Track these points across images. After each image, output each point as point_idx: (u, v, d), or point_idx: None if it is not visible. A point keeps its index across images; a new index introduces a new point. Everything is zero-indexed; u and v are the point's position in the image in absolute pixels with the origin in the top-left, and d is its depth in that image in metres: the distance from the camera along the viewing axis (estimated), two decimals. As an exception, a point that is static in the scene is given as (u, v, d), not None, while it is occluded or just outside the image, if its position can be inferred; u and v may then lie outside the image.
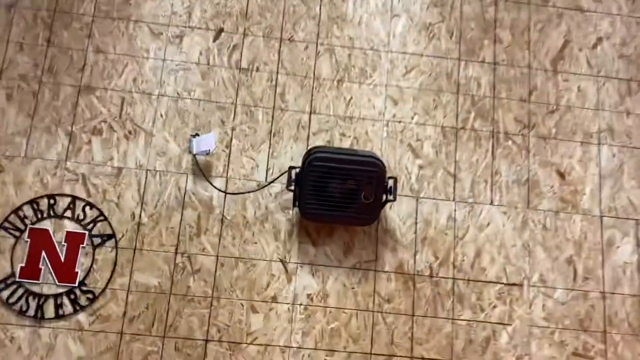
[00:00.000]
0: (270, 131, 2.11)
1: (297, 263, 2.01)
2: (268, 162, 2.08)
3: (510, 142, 2.18)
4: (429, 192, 2.11)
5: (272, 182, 2.02)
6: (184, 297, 1.95)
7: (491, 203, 2.12)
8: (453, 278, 2.04)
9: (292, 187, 1.92)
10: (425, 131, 2.17)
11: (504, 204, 2.12)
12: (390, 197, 1.93)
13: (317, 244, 2.03)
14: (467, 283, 2.04)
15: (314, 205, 1.88)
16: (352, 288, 2.01)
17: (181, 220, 2.01)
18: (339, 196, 1.89)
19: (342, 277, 2.01)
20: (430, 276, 2.04)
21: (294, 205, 1.93)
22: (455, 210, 2.10)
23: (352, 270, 2.02)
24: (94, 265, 1.95)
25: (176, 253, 1.98)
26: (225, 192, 2.04)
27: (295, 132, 2.11)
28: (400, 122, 2.16)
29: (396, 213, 2.08)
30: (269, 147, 2.09)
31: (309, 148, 1.93)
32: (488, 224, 2.10)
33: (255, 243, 2.01)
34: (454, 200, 2.11)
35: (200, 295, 1.96)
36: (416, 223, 2.08)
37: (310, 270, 2.01)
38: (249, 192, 2.04)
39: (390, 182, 1.95)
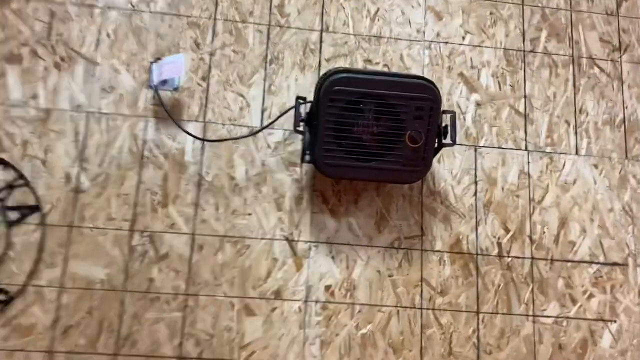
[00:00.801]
0: (265, 57, 1.48)
1: (310, 242, 1.39)
2: (263, 99, 1.45)
3: (596, 70, 1.57)
4: (492, 139, 1.50)
5: (270, 124, 1.39)
6: (145, 296, 1.32)
7: (576, 152, 1.51)
8: (531, 258, 1.44)
9: (301, 129, 1.29)
10: (481, 55, 1.55)
11: (593, 153, 1.51)
12: (447, 141, 1.30)
13: (338, 214, 1.41)
14: (551, 264, 1.43)
15: (335, 153, 1.25)
16: (390, 276, 1.39)
17: (139, 183, 1.37)
18: (372, 139, 1.27)
19: (374, 261, 1.39)
20: (500, 256, 1.43)
21: (303, 158, 1.30)
22: (528, 163, 1.50)
23: (389, 250, 1.40)
24: (9, 252, 1.31)
25: (132, 231, 1.35)
26: (204, 140, 1.41)
27: (300, 58, 1.48)
28: (447, 43, 1.54)
29: (447, 168, 1.46)
30: (264, 80, 1.46)
31: (325, 71, 1.30)
32: (574, 182, 1.49)
33: (249, 214, 1.39)
34: (525, 149, 1.50)
35: (169, 292, 1.33)
36: (476, 182, 1.46)
37: (329, 252, 1.39)
38: (236, 138, 1.41)
39: (446, 119, 1.33)
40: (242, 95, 1.45)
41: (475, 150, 1.49)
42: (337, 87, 1.22)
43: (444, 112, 1.32)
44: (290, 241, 1.38)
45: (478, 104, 1.52)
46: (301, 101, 1.29)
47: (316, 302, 1.36)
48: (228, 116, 1.44)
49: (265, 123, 1.42)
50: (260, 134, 1.43)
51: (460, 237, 1.43)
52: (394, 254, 1.40)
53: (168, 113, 1.36)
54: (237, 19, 1.49)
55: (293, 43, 1.49)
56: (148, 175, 1.38)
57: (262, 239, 1.38)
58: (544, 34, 1.58)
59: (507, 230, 1.45)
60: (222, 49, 1.47)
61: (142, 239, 1.35)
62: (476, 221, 1.44)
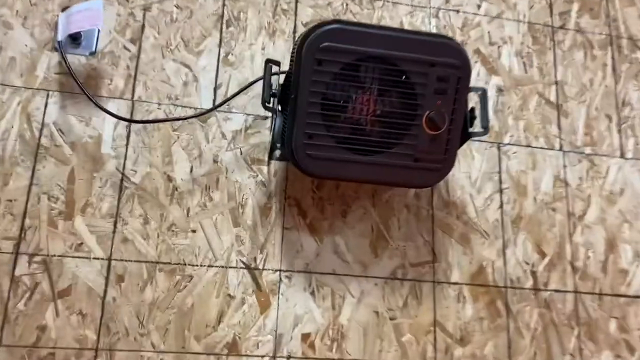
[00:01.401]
0: (221, 16, 1.08)
1: (281, 271, 0.98)
2: (217, 72, 1.05)
3: (639, 54, 1.26)
4: (518, 134, 1.15)
5: (225, 102, 0.99)
6: (32, 354, 0.88)
7: (622, 155, 1.18)
8: (574, 291, 1.07)
9: (272, 105, 0.89)
10: (501, 29, 1.21)
11: (641, 156, 1.18)
12: (477, 129, 0.94)
13: (320, 231, 1.01)
14: (599, 300, 1.08)
15: (321, 141, 0.86)
16: (392, 319, 1.00)
17: (31, 185, 0.94)
18: (374, 123, 0.88)
19: (370, 298, 1.00)
20: (535, 289, 1.06)
21: (272, 152, 0.91)
22: (564, 167, 1.15)
23: (390, 282, 1.01)
24: None
25: (16, 255, 0.91)
26: (130, 121, 0.99)
27: (269, 21, 1.10)
28: (458, 11, 1.19)
29: (464, 172, 1.10)
30: (219, 46, 1.07)
31: (309, 27, 0.91)
32: (622, 192, 1.15)
33: (193, 232, 0.97)
34: (560, 149, 1.16)
35: (70, 346, 0.89)
36: (501, 191, 1.10)
37: (307, 285, 0.99)
38: (177, 119, 1.00)
39: (474, 99, 0.96)
40: (187, 66, 1.04)
41: (499, 149, 1.13)
42: (326, 44, 0.83)
43: (473, 89, 0.95)
44: (252, 270, 0.97)
45: (500, 90, 1.16)
46: (273, 65, 0.90)
47: (289, 358, 0.95)
48: (167, 93, 1.02)
49: (220, 101, 1.02)
50: (212, 119, 1.02)
51: (484, 263, 1.05)
52: (396, 288, 1.01)
53: (80, 85, 0.94)
54: (182, -35, 1.09)
55: (260, 0, 1.11)
56: (46, 172, 0.95)
57: (212, 266, 0.96)
58: (574, 7, 1.26)
59: (542, 255, 1.09)
60: (161, 2, 1.07)
61: (32, 267, 0.91)
62: (503, 243, 1.07)
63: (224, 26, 1.08)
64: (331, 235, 1.01)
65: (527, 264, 1.07)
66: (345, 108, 0.87)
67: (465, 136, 0.93)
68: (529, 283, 1.06)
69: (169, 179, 0.98)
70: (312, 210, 1.02)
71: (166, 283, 0.94)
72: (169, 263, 0.95)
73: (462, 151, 1.09)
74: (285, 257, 0.99)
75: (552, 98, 1.19)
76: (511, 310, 1.04)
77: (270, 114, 1.00)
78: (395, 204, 1.05)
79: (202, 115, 0.98)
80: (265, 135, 1.03)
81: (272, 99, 0.88)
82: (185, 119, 0.98)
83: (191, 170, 0.99)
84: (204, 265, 0.96)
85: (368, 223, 1.03)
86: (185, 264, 0.95)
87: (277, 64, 0.90)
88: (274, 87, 0.89)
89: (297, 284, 0.98)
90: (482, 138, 1.12)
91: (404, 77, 0.86)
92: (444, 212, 1.07)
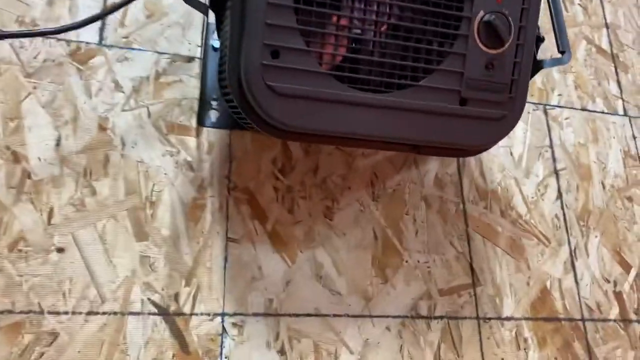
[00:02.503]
0: None
1: (224, 315, 0.55)
2: (109, -13, 0.63)
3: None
4: (568, 93, 0.79)
5: (110, 13, 0.57)
6: None
7: (701, 123, 0.83)
8: (679, 321, 0.70)
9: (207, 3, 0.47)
10: (528, -48, 0.86)
11: None
12: (557, 56, 0.56)
13: (291, 244, 0.59)
14: None
15: (297, 64, 0.45)
16: (419, 385, 0.58)
17: None
18: (393, 35, 0.48)
19: (381, 351, 0.58)
20: (624, 320, 0.68)
21: (205, 107, 0.51)
22: (634, 139, 0.79)
23: (411, 323, 0.60)
24: None
25: None
26: None
27: None
28: None
29: (503, 145, 0.72)
30: (113, -48, 0.64)
31: None
32: None
33: (59, 252, 0.52)
34: (625, 114, 0.81)
35: None
36: (556, 173, 0.73)
37: (271, 337, 0.56)
38: (24, 35, 0.57)
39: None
40: (54, -26, 0.62)
41: (546, 113, 0.76)
42: None
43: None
44: (170, 316, 0.54)
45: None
46: None
47: None
48: (18, 15, 0.59)
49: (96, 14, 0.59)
50: (98, 58, 0.60)
51: (548, 284, 0.67)
52: (421, 332, 0.60)
53: None
54: None
55: None
56: None
57: (95, 313, 0.52)
58: None
59: (626, 267, 0.71)
60: None
61: None
62: (570, 251, 0.69)
63: None
64: (309, 249, 0.60)
65: (608, 281, 0.70)
66: (339, 6, 0.47)
67: (535, 65, 0.55)
68: (614, 311, 0.68)
69: (16, 158, 0.54)
70: (275, 208, 0.60)
71: (5, 348, 0.49)
72: (10, 312, 0.50)
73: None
74: (232, 291, 0.56)
75: (604, 45, 0.84)
76: (595, 354, 0.65)
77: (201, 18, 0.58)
78: (408, 194, 0.65)
79: (75, 29, 0.55)
80: (190, 87, 0.61)
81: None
82: (43, 34, 0.54)
83: (57, 144, 0.56)
84: (80, 313, 0.51)
85: (367, 227, 0.63)
86: (43, 312, 0.51)
87: None
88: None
89: (254, 336, 0.55)
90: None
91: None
92: (481, 207, 0.68)
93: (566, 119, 0.77)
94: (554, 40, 0.56)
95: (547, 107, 0.77)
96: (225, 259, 0.57)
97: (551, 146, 0.74)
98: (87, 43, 0.60)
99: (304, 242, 0.60)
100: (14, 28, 0.58)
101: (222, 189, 0.59)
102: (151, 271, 0.54)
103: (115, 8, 0.52)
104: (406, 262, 0.62)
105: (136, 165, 0.57)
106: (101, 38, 0.61)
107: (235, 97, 0.47)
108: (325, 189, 0.62)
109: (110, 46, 0.61)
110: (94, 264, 0.53)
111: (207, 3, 0.47)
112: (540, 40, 0.55)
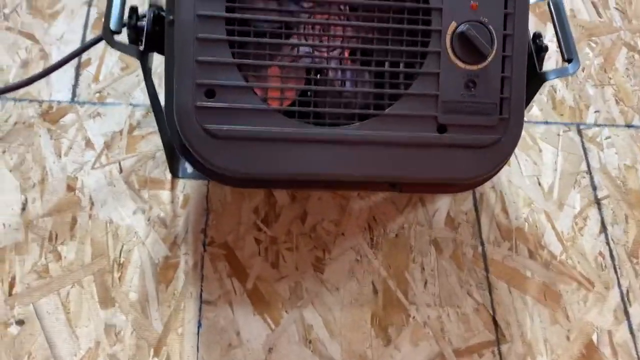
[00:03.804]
0: (97, -36, 0.66)
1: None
2: (83, 41, 0.61)
3: None
4: (608, 109, 0.68)
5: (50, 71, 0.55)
6: None
7: None
8: None
9: (139, 43, 0.43)
10: (549, -42, 0.77)
11: None
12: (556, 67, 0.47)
13: (275, 304, 0.52)
14: None
15: (236, 101, 0.39)
16: None
17: None
18: (350, 57, 0.42)
19: None
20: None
21: (175, 155, 0.45)
22: (698, 156, 0.66)
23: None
24: None
25: None
26: None
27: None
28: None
29: (529, 174, 0.62)
30: (88, 2, 0.64)
31: None
32: None
33: (19, 324, 0.49)
34: (684, 126, 0.68)
35: None
36: (598, 203, 0.62)
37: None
38: None
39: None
40: (30, 37, 0.61)
41: (580, 133, 0.66)
42: None
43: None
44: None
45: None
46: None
47: None
48: (-11, 80, 0.59)
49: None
50: (69, 116, 0.57)
51: (594, 337, 0.55)
52: (433, 403, 0.51)
53: None
54: None
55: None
56: None
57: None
58: None
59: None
60: (-6, -53, 0.66)
61: None
62: (622, 296, 0.58)
63: (99, -25, 0.66)
64: (296, 308, 0.53)
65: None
66: (279, 33, 0.42)
67: (537, 78, 0.46)
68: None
69: (-20, 226, 0.52)
70: (256, 263, 0.54)
71: None
72: (-36, 393, 0.47)
73: (521, 140, 0.61)
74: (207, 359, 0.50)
75: (651, 47, 0.73)
76: None
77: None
78: (414, 239, 0.57)
79: (22, 87, 0.53)
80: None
81: (134, 34, 0.43)
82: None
83: (23, 209, 0.53)
84: (38, 392, 0.47)
85: (365, 279, 0.55)
86: (-2, 393, 0.47)
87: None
88: (142, 11, 0.44)
89: (231, 413, 0.48)
90: (551, 115, 0.66)
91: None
92: (504, 249, 0.58)
93: (607, 138, 0.66)
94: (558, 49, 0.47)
95: (582, 126, 0.66)
96: (199, 324, 0.51)
97: (589, 171, 0.64)
98: (59, 102, 0.58)
99: (290, 301, 0.53)
100: (-13, 93, 0.58)
101: (198, 245, 0.54)
102: (117, 341, 0.49)
103: (62, 63, 0.50)
104: (413, 318, 0.54)
105: (105, 225, 0.54)
106: (74, 95, 0.59)
107: (175, 144, 0.43)
108: (315, 238, 0.56)
109: (83, 103, 0.59)
110: (55, 336, 0.49)
111: (142, 48, 0.43)
112: (542, 49, 0.47)
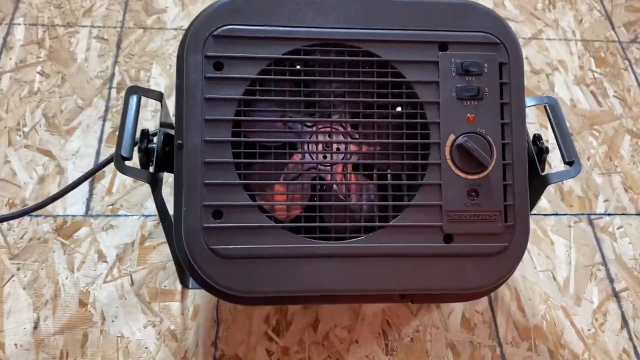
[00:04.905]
0: (111, 77, 0.71)
1: None
2: (97, 157, 0.64)
3: None
4: (617, 197, 0.68)
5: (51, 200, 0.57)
6: None
7: None
8: None
9: (150, 167, 0.45)
10: (546, 53, 0.81)
11: None
12: (558, 170, 0.48)
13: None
14: None
15: (242, 220, 0.40)
16: None
17: None
18: (351, 174, 0.43)
19: None
20: None
21: (184, 267, 0.45)
22: None
23: None
24: None
25: None
26: None
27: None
28: (474, 37, 0.80)
29: (543, 269, 0.61)
30: (103, 118, 0.67)
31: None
32: None
33: None
34: (696, 212, 0.67)
35: None
36: (617, 296, 0.60)
37: None
38: None
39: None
40: (47, 153, 0.64)
41: (592, 224, 0.65)
42: (225, 27, 0.42)
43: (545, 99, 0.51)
44: None
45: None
46: (144, 97, 0.47)
47: None
48: (10, 197, 0.61)
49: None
50: (83, 229, 0.59)
51: None
52: None
53: None
54: None
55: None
56: None
57: None
58: (642, 17, 0.86)
59: None
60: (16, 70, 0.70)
61: None
62: (652, 395, 0.55)
63: (114, 91, 0.69)
64: (310, 422, 0.51)
65: None
66: (282, 152, 0.43)
67: (540, 181, 0.46)
68: None
69: (-8, 347, 0.52)
70: (268, 375, 0.53)
71: None
72: None
73: (532, 234, 0.61)
74: None
75: (653, 137, 0.73)
76: None
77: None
78: (430, 342, 0.56)
79: (35, 210, 0.54)
80: (176, 247, 0.58)
81: (145, 157, 0.45)
82: (5, 219, 0.54)
83: (35, 327, 0.53)
84: None
85: (381, 388, 0.53)
86: None
87: (156, 96, 0.49)
88: (152, 134, 0.46)
89: None
90: (560, 206, 0.65)
91: (389, 73, 0.43)
92: (524, 349, 0.56)
93: (619, 228, 0.65)
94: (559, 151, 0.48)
95: (592, 216, 0.66)
96: None
97: (604, 263, 0.63)
98: (74, 216, 0.60)
99: (304, 415, 0.51)
100: (4, 211, 0.59)
101: (208, 359, 0.53)
102: None
103: (77, 183, 0.51)
104: None
105: (116, 341, 0.53)
106: (87, 209, 0.60)
107: (183, 262, 0.43)
108: (328, 347, 0.55)
109: (96, 216, 0.60)
110: None
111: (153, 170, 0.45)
112: (543, 151, 0.48)
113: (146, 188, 0.62)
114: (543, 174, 0.47)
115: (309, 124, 0.44)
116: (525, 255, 0.62)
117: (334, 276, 0.41)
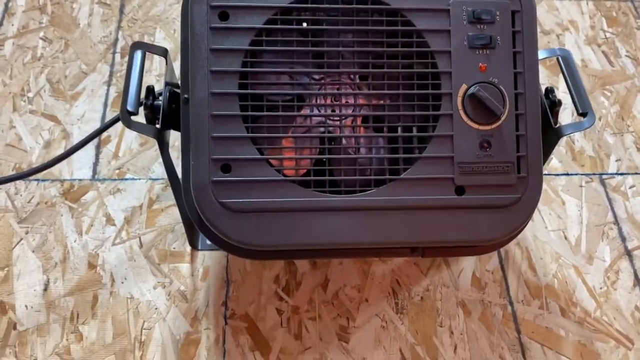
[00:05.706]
0: (114, 42, 0.70)
1: None
2: (103, 121, 0.63)
3: None
4: (630, 157, 0.67)
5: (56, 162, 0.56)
6: None
7: None
8: None
9: (156, 122, 0.44)
10: (556, 13, 0.79)
11: None
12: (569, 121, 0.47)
13: (298, 376, 0.51)
14: None
15: (251, 174, 0.39)
16: None
17: None
18: (361, 126, 0.42)
19: None
20: None
21: (193, 227, 0.45)
22: None
23: None
24: None
25: None
26: None
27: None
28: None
29: (554, 229, 0.60)
30: (108, 82, 0.66)
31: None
32: None
33: None
34: None
35: None
36: (629, 254, 0.60)
37: None
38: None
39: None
40: (52, 118, 0.63)
41: (603, 183, 0.65)
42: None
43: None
44: None
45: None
46: (148, 53, 0.47)
47: None
48: (15, 162, 0.60)
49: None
50: (90, 193, 0.58)
51: (641, 400, 0.52)
52: None
53: None
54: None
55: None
56: None
57: None
58: (655, -25, 0.84)
59: None
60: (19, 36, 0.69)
61: None
62: (665, 351, 0.55)
63: (117, 56, 0.69)
64: (321, 380, 0.51)
65: None
66: (290, 106, 0.42)
67: (553, 133, 0.46)
68: None
69: (3, 309, 0.52)
70: (279, 335, 0.53)
71: None
72: None
73: (543, 194, 0.60)
74: None
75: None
76: None
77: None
78: (440, 301, 0.56)
79: (40, 171, 0.54)
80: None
81: (151, 114, 0.44)
82: (10, 180, 0.54)
83: (45, 289, 0.53)
84: None
85: (393, 346, 0.53)
86: None
87: (161, 52, 0.48)
88: (157, 90, 0.45)
89: None
90: (571, 165, 0.65)
91: (399, 21, 0.42)
92: (535, 307, 0.56)
93: (631, 187, 0.65)
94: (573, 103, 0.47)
95: (604, 176, 0.65)
96: (223, 403, 0.49)
97: (616, 222, 0.62)
98: (80, 180, 0.60)
99: (315, 374, 0.51)
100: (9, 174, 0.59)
101: (219, 318, 0.53)
102: None
103: (83, 144, 0.51)
104: (444, 386, 0.51)
105: (126, 302, 0.53)
106: (94, 173, 0.60)
107: (193, 218, 0.43)
108: (338, 305, 0.54)
109: (103, 180, 0.60)
110: (77, 420, 0.48)
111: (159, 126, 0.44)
112: (556, 104, 0.47)
113: (153, 152, 0.62)
114: (556, 126, 0.46)
115: (317, 76, 0.43)
116: (537, 215, 0.62)
117: (344, 229, 0.41)
